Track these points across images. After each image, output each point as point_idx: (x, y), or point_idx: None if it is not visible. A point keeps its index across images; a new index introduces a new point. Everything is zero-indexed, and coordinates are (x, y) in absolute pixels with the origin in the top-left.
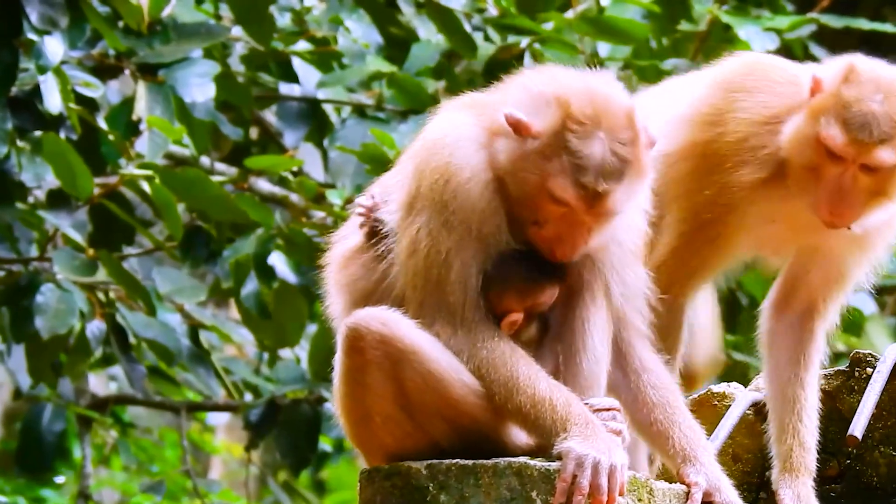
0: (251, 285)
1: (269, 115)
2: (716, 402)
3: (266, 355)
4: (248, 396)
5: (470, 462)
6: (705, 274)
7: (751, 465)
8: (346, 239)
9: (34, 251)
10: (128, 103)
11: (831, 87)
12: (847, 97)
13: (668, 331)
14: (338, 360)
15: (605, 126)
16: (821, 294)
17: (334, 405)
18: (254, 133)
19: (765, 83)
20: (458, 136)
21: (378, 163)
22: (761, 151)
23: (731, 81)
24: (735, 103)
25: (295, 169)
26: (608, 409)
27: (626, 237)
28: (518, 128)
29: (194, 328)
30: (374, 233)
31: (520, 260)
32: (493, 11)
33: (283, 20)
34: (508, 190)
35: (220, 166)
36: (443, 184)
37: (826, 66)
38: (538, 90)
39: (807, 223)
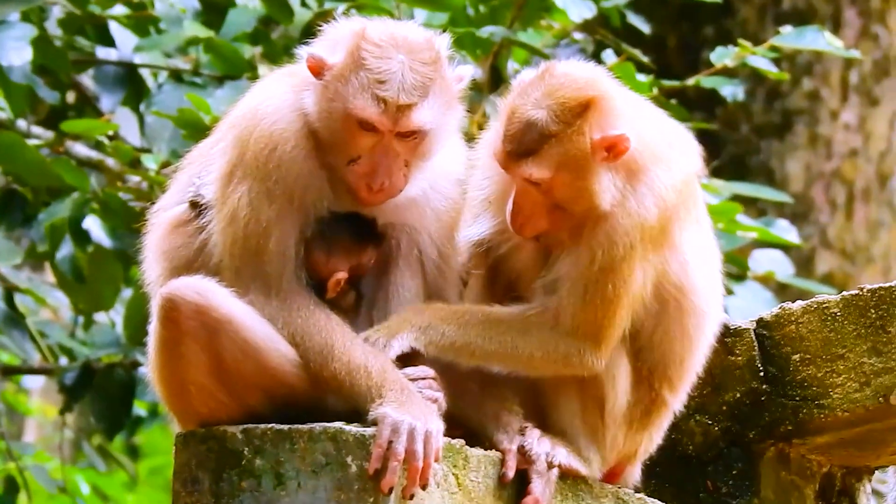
0: (66, 249)
1: (86, 79)
2: None
3: (81, 319)
4: (64, 360)
5: (286, 427)
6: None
7: None
8: (168, 208)
9: None
10: None
11: None
12: None
13: None
14: (153, 330)
15: (404, 48)
16: None
17: (149, 373)
18: (70, 97)
19: None
20: (279, 105)
21: (194, 128)
22: None
23: None
24: None
25: (111, 133)
26: (424, 378)
27: (443, 208)
28: (317, 66)
29: (9, 291)
30: (197, 203)
31: (343, 221)
32: None
33: None
34: (324, 144)
35: (36, 130)
36: (267, 153)
37: None
38: (337, 32)
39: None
